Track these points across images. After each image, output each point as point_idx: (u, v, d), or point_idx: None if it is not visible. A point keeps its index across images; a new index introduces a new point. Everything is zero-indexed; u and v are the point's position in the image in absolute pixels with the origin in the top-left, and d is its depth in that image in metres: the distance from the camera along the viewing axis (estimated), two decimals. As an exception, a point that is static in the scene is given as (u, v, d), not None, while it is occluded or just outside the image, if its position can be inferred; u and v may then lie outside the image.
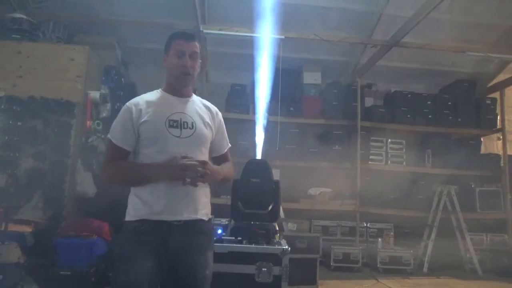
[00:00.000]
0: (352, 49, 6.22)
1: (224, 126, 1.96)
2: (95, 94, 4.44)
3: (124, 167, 1.73)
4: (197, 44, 1.81)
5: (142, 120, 1.70)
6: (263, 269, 3.17)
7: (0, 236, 3.13)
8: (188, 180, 1.60)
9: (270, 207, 3.64)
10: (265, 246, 3.28)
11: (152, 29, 5.38)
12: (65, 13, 5.00)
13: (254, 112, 5.58)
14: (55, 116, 4.20)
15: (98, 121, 4.50)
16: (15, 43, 4.33)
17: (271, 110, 5.57)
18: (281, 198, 3.82)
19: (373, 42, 5.49)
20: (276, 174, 4.78)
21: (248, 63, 5.32)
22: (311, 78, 6.31)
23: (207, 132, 1.80)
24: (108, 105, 4.61)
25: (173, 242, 1.65)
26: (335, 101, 6.18)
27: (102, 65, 4.85)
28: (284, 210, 4.96)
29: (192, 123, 1.76)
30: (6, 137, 4.09)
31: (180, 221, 1.67)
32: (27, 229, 3.64)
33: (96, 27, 5.32)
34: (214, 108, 1.92)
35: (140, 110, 1.72)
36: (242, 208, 3.56)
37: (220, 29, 4.99)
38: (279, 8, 4.58)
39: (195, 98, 1.87)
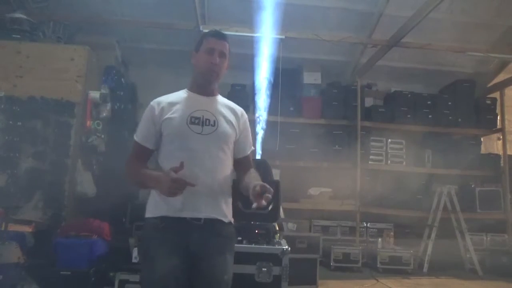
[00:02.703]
0: (352, 49, 6.22)
1: (249, 128, 1.94)
2: (95, 94, 4.43)
3: (136, 173, 1.74)
4: (227, 45, 1.82)
5: (165, 118, 1.72)
6: (263, 269, 3.17)
7: (0, 236, 3.13)
8: (178, 194, 1.54)
9: (270, 207, 3.64)
10: (265, 246, 3.29)
11: (152, 29, 5.38)
12: (65, 13, 5.00)
13: (254, 112, 5.59)
14: (55, 116, 4.19)
15: (98, 121, 4.49)
16: (15, 43, 4.32)
17: (271, 110, 5.57)
18: (281, 198, 3.82)
19: (373, 42, 5.49)
20: (276, 174, 4.81)
21: (248, 63, 5.33)
22: (311, 78, 6.31)
23: (230, 131, 1.78)
24: (108, 105, 4.60)
25: (192, 243, 1.64)
26: (335, 101, 6.18)
27: (102, 65, 4.85)
28: (284, 210, 4.96)
29: (214, 120, 1.75)
30: (6, 137, 4.09)
31: (199, 219, 1.66)
32: (27, 229, 3.64)
33: (96, 27, 5.32)
34: (239, 109, 1.90)
35: (163, 108, 1.74)
36: (242, 208, 3.56)
37: (220, 29, 4.98)
38: (279, 8, 4.59)
39: (220, 97, 1.88)
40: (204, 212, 1.67)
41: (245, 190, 1.71)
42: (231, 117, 1.82)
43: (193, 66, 1.84)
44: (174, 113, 1.73)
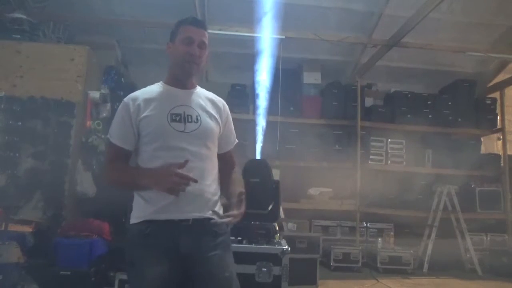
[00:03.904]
0: (352, 49, 6.22)
1: (231, 120, 1.81)
2: (95, 94, 4.44)
3: (120, 172, 1.62)
4: (206, 33, 1.68)
5: (142, 116, 1.58)
6: (263, 269, 3.17)
7: (0, 236, 3.13)
8: (180, 191, 1.45)
9: (270, 207, 3.64)
10: (265, 246, 3.29)
11: (152, 29, 5.38)
12: (65, 13, 5.00)
13: (254, 112, 5.59)
14: (55, 116, 4.20)
15: (98, 121, 4.50)
16: (15, 43, 4.33)
17: (271, 110, 5.57)
18: (281, 198, 3.82)
19: (373, 42, 5.49)
20: (276, 174, 4.80)
21: (248, 63, 5.33)
22: (311, 78, 6.31)
23: (213, 126, 1.67)
24: (108, 105, 4.61)
25: (183, 245, 1.53)
26: (335, 101, 6.17)
27: (102, 65, 4.85)
28: (284, 210, 4.96)
29: (197, 116, 1.63)
30: (6, 137, 4.09)
31: (188, 220, 1.55)
32: (27, 229, 3.64)
33: (96, 27, 5.32)
34: (220, 100, 1.78)
35: (139, 105, 1.59)
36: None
37: (220, 29, 4.99)
38: (279, 8, 4.58)
39: (199, 90, 1.74)
40: (193, 212, 1.56)
41: (227, 197, 1.67)
42: (214, 111, 1.70)
43: (169, 58, 1.70)
44: (152, 111, 1.59)
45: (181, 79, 1.69)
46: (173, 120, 1.59)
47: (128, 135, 1.61)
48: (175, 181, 1.43)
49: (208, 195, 1.61)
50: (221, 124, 1.72)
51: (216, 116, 1.71)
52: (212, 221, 1.57)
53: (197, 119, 1.63)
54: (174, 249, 1.52)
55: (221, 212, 1.68)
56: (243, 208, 1.59)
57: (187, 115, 1.62)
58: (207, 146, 1.64)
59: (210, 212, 1.60)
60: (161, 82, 1.73)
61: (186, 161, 1.47)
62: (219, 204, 1.68)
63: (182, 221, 1.55)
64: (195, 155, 1.58)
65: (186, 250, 1.54)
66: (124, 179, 1.61)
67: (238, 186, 1.71)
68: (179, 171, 1.44)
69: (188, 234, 1.55)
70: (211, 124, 1.67)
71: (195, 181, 1.47)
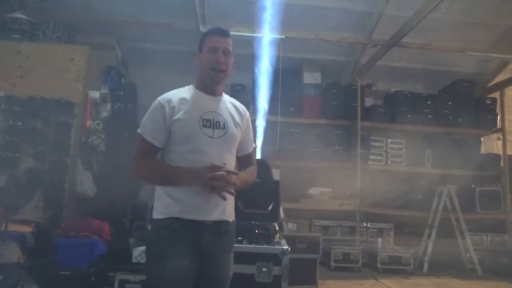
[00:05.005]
0: (352, 49, 6.22)
1: (251, 125, 1.95)
2: (95, 94, 4.44)
3: (157, 168, 1.73)
4: (230, 41, 1.81)
5: (175, 118, 1.68)
6: (263, 269, 3.18)
7: (0, 236, 3.13)
8: (215, 190, 1.62)
9: (270, 207, 3.65)
10: (265, 246, 3.29)
11: (152, 29, 5.39)
12: (65, 13, 5.01)
13: (254, 112, 5.59)
14: (55, 116, 4.20)
15: (98, 121, 4.50)
16: (15, 43, 4.33)
17: (271, 110, 5.57)
18: (281, 198, 3.82)
19: (373, 42, 5.49)
20: (276, 174, 4.81)
21: (248, 63, 5.33)
22: (311, 78, 6.31)
23: (237, 133, 1.80)
24: (108, 105, 4.60)
25: (203, 243, 1.66)
26: (335, 101, 6.18)
27: (102, 65, 4.85)
28: (284, 210, 4.96)
29: (224, 123, 1.75)
30: (6, 137, 4.09)
31: (210, 221, 1.68)
32: (27, 229, 3.64)
33: (96, 27, 5.32)
34: (242, 107, 1.91)
35: (173, 107, 1.69)
36: (242, 208, 3.57)
37: (220, 28, 4.99)
38: (279, 8, 4.59)
39: (225, 97, 1.87)
40: (215, 215, 1.69)
41: None
42: (237, 118, 1.83)
43: (198, 68, 1.82)
44: (185, 114, 1.69)
45: (210, 86, 1.80)
46: (204, 126, 1.71)
47: (160, 134, 1.70)
48: (211, 179, 1.59)
49: (228, 197, 1.70)
50: (242, 130, 1.85)
51: (239, 122, 1.84)
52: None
53: (224, 125, 1.75)
54: (195, 245, 1.65)
55: (233, 212, 1.80)
56: (238, 177, 1.69)
57: (216, 121, 1.74)
58: (231, 152, 1.79)
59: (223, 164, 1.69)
60: (191, 86, 1.83)
61: (221, 166, 1.64)
62: (233, 208, 1.81)
63: (205, 221, 1.67)
64: (220, 159, 1.70)
65: (206, 247, 1.67)
66: (158, 175, 1.72)
67: (244, 173, 1.84)
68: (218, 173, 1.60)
69: (209, 233, 1.68)
70: (235, 131, 1.80)
71: (232, 193, 1.67)
